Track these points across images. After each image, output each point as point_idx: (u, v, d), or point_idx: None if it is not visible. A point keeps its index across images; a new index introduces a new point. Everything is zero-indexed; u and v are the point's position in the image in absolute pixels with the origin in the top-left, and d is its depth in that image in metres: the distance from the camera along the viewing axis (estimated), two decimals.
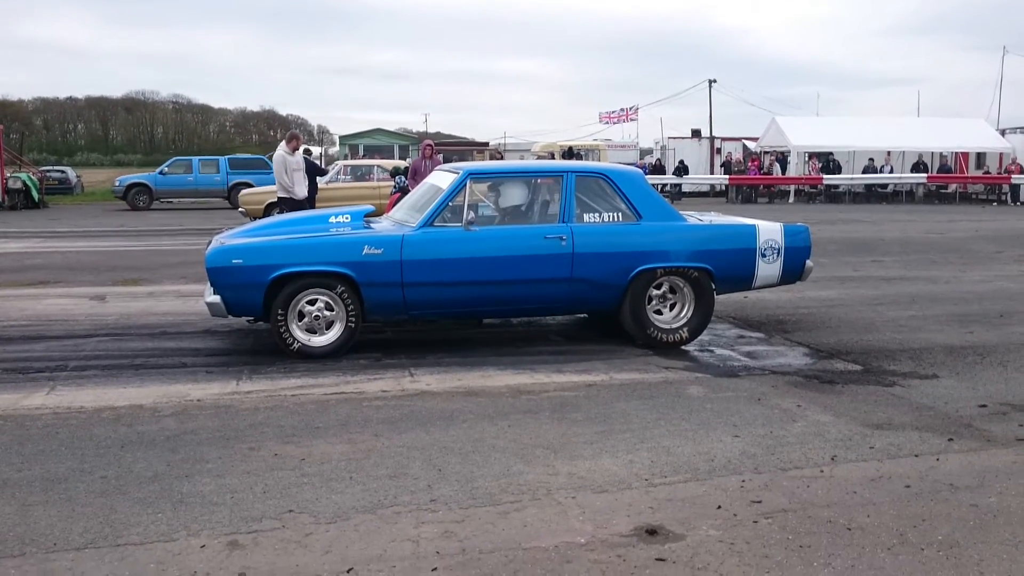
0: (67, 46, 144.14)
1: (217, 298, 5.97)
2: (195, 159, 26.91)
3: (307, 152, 14.84)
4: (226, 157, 27.20)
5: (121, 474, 3.90)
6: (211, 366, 5.91)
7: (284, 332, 6.00)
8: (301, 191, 11.40)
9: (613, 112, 42.69)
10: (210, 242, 6.55)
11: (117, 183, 25.92)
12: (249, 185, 25.08)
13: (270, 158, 17.44)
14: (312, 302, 6.02)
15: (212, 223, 17.17)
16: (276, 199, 16.34)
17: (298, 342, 6.02)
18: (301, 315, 6.03)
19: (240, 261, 5.96)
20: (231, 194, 25.09)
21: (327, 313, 6.06)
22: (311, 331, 6.07)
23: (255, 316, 6.19)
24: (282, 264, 5.93)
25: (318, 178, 13.41)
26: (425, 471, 3.95)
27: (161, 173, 25.73)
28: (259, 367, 5.85)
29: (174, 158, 28.56)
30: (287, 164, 11.29)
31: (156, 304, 8.36)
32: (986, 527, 3.37)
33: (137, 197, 24.91)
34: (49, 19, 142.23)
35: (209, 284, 6.09)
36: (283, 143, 11.86)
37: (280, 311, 5.96)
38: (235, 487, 3.75)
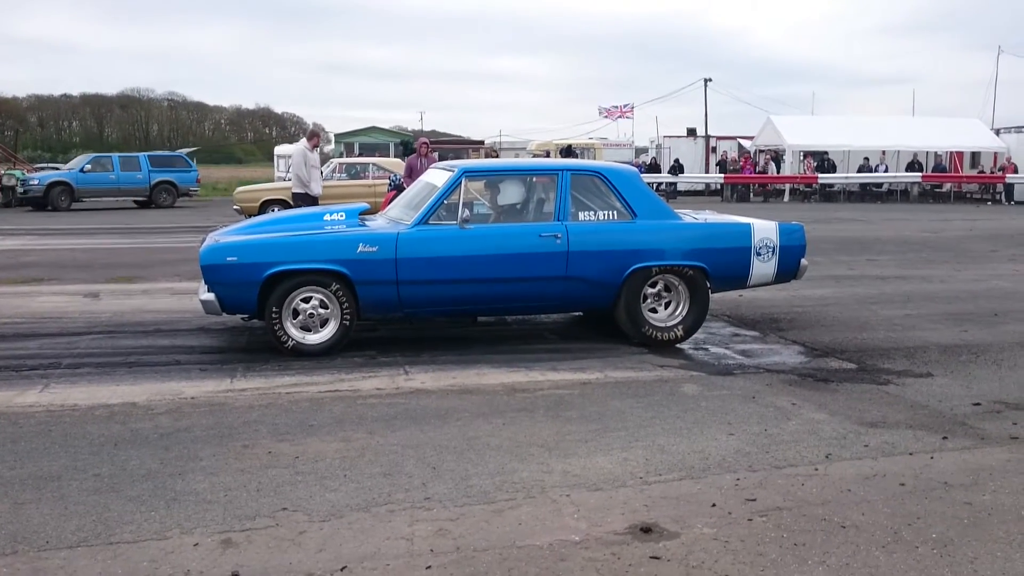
0: (62, 43, 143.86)
1: (211, 295, 5.96)
2: (115, 156, 25.40)
3: None
4: (146, 154, 25.95)
5: (114, 472, 3.89)
6: (205, 364, 5.90)
7: (278, 330, 5.99)
8: (317, 188, 11.47)
9: (614, 107, 42.48)
10: (204, 239, 6.54)
11: (36, 181, 23.69)
12: (171, 184, 24.67)
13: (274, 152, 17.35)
14: (307, 300, 6.01)
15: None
16: (272, 197, 16.50)
17: (293, 340, 6.01)
18: (296, 313, 6.02)
19: (234, 259, 5.95)
20: (153, 193, 24.50)
21: (322, 311, 6.04)
22: (306, 329, 6.06)
23: (249, 314, 6.17)
24: (277, 262, 5.92)
25: None
26: (419, 469, 3.94)
27: (82, 171, 24.04)
28: (253, 365, 5.84)
29: (93, 155, 26.19)
30: (307, 159, 11.41)
31: (150, 301, 8.34)
32: (980, 525, 3.38)
33: (59, 197, 23.06)
34: (44, 15, 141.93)
35: (203, 281, 6.08)
36: (304, 139, 12.07)
37: (274, 309, 5.95)
38: (229, 485, 3.74)
